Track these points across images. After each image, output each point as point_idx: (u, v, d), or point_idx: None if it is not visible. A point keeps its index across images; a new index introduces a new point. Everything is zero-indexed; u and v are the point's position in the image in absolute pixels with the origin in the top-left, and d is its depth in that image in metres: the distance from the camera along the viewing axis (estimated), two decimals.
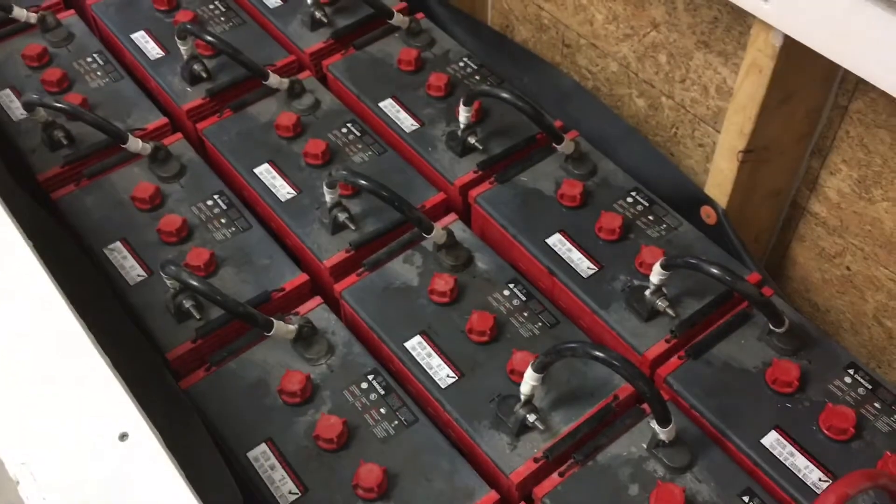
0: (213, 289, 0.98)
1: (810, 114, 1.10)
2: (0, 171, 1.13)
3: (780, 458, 0.95)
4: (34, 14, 1.41)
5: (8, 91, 1.35)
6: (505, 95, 1.15)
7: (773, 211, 1.24)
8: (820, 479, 0.93)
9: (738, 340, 1.05)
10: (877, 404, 0.99)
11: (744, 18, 1.12)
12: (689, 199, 1.19)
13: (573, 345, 0.90)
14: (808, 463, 0.94)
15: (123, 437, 0.72)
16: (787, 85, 1.01)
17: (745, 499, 0.92)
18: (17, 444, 0.72)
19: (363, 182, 1.06)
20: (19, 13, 1.40)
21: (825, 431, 0.96)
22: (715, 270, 0.97)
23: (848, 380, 1.01)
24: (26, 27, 1.43)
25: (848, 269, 1.22)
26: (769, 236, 1.29)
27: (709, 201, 1.16)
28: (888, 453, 0.93)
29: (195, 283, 0.97)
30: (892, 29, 0.80)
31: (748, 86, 1.02)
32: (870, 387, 1.00)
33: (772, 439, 0.96)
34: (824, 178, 1.18)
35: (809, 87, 1.03)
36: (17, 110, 1.32)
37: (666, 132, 1.37)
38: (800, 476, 0.93)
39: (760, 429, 0.97)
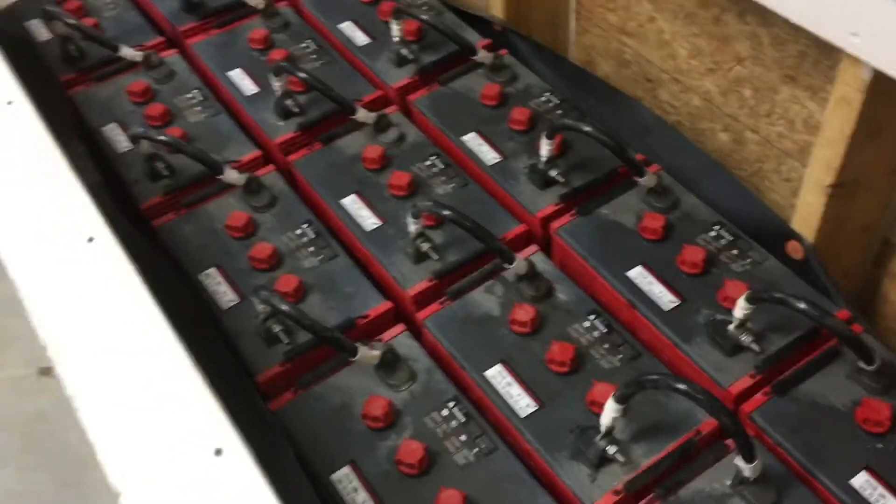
0: (302, 313, 1.01)
1: None
2: (106, 199, 1.20)
3: (871, 500, 0.92)
4: (139, 53, 1.50)
5: (114, 125, 1.43)
6: (587, 129, 1.17)
7: (862, 247, 1.22)
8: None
9: (825, 378, 1.03)
10: None
11: (831, 52, 1.11)
12: (774, 235, 1.18)
13: (656, 377, 0.90)
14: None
15: (219, 452, 0.75)
16: (876, 119, 1.00)
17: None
18: (119, 457, 0.77)
19: (447, 213, 1.09)
20: (125, 52, 1.49)
21: None
22: (802, 305, 0.96)
23: None
24: (132, 65, 1.51)
25: None
26: (859, 273, 1.26)
27: (796, 236, 1.15)
28: None
29: (285, 308, 1.01)
30: None
31: (836, 120, 1.01)
32: None
33: (861, 480, 0.94)
34: None
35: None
36: (122, 143, 1.40)
37: (750, 167, 1.36)
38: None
39: (850, 469, 0.95)
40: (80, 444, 1.85)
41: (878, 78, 0.93)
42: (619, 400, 0.93)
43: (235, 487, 0.73)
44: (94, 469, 1.95)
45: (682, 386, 0.88)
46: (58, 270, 0.89)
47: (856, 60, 0.94)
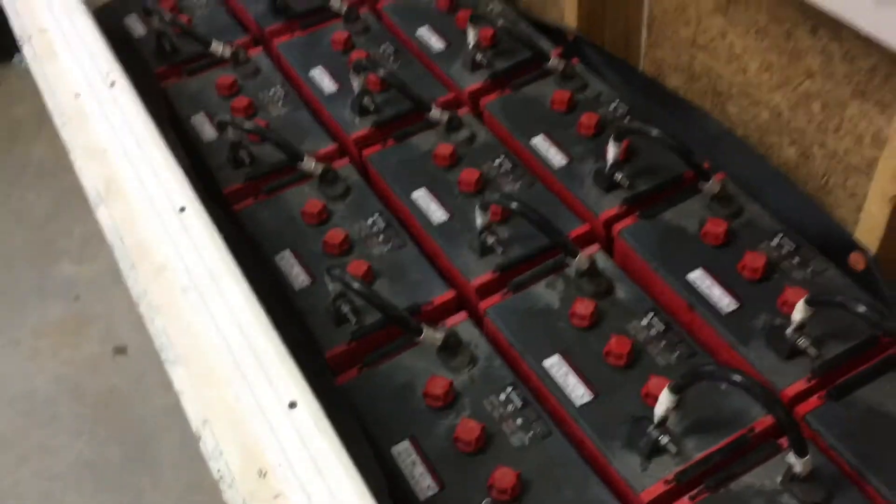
0: (373, 292, 1.07)
1: None
2: (194, 180, 1.28)
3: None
4: (228, 49, 1.58)
5: (201, 115, 1.51)
6: (654, 132, 1.20)
7: None
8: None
9: (883, 386, 1.04)
10: None
11: None
12: (837, 246, 1.19)
13: (712, 368, 0.92)
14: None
15: (293, 405, 0.80)
16: None
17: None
18: (202, 406, 0.82)
19: (515, 205, 1.14)
20: (216, 47, 1.58)
21: None
22: (862, 309, 0.97)
23: None
24: (220, 61, 1.60)
25: None
26: None
27: (858, 247, 1.16)
28: None
29: (356, 286, 1.06)
30: None
31: None
32: None
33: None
34: None
35: None
36: (208, 133, 1.48)
37: (816, 181, 1.37)
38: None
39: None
40: (148, 419, 1.93)
41: None
42: (674, 390, 0.95)
43: (308, 436, 0.78)
44: (159, 443, 2.02)
45: (737, 378, 0.90)
46: (154, 236, 0.96)
47: None
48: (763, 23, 1.36)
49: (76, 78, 1.18)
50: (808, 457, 0.91)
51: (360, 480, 0.74)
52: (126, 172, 1.04)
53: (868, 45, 1.16)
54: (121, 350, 2.13)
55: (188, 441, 1.75)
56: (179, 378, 0.84)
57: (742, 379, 0.89)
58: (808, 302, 1.02)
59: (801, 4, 1.24)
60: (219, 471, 0.77)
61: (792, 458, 0.92)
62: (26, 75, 2.56)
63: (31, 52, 1.25)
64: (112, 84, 1.15)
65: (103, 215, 1.00)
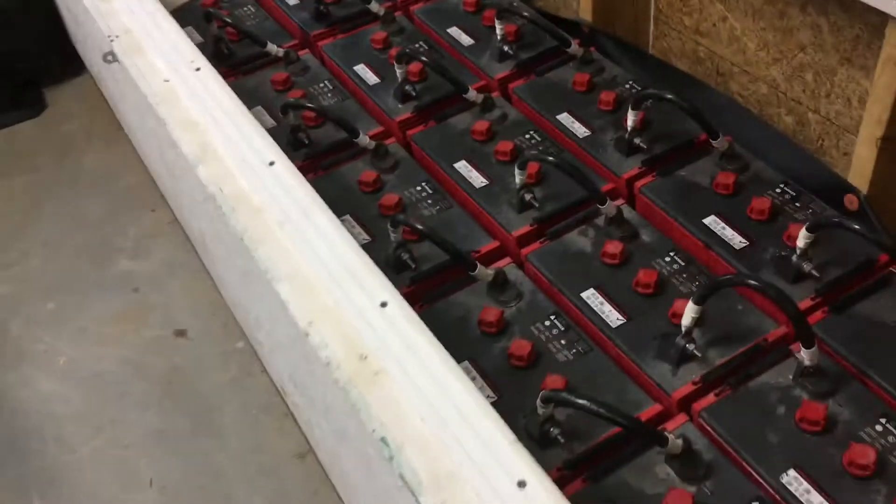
0: (434, 230, 1.24)
1: None
2: None
3: None
4: (282, 50, 1.77)
5: (259, 108, 1.69)
6: (669, 96, 1.38)
7: None
8: None
9: (878, 300, 1.20)
10: None
11: (882, 32, 1.30)
12: (833, 190, 1.35)
13: (729, 276, 1.09)
14: None
15: (384, 304, 0.97)
16: None
17: (883, 420, 1.06)
18: (306, 311, 0.99)
19: (551, 158, 1.31)
20: (271, 48, 1.76)
21: None
22: (856, 226, 1.14)
23: None
24: (274, 61, 1.79)
25: None
26: None
27: (851, 188, 1.32)
28: None
29: (420, 227, 1.23)
30: None
31: (885, 78, 1.20)
32: None
33: None
34: None
35: None
36: (267, 121, 1.65)
37: (813, 145, 1.55)
38: None
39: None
40: (209, 393, 2.09)
41: None
42: (698, 301, 1.12)
43: (399, 327, 0.94)
44: (222, 413, 2.18)
45: (753, 282, 1.06)
46: (250, 185, 1.13)
47: None
48: (759, 5, 1.54)
49: (163, 66, 1.36)
50: (814, 348, 1.07)
51: (447, 355, 0.90)
52: (218, 138, 1.22)
53: (852, 16, 1.34)
54: (181, 333, 2.30)
55: (249, 409, 1.91)
56: (285, 291, 1.01)
57: (757, 282, 1.06)
58: (808, 228, 1.19)
59: None
60: (326, 357, 0.93)
61: (801, 353, 1.08)
62: (75, 96, 2.75)
63: (121, 48, 1.44)
64: (197, 69, 1.33)
65: (202, 172, 1.18)
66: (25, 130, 3.03)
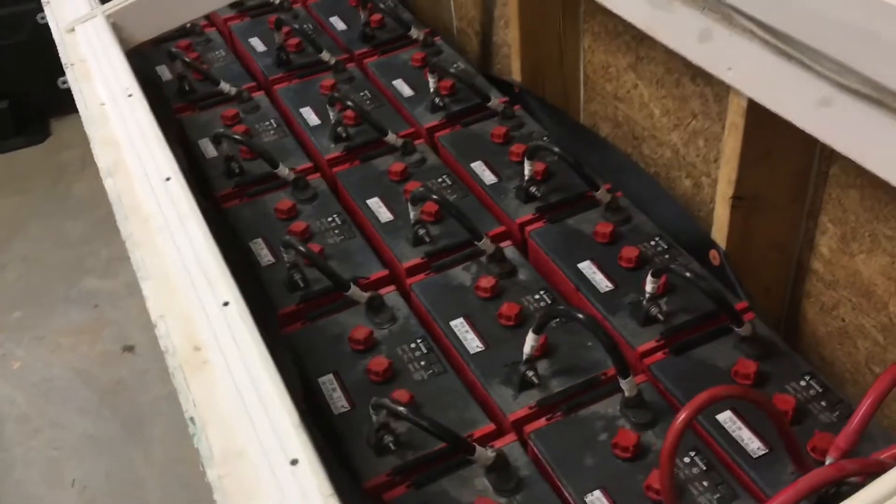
0: (316, 255, 1.35)
1: (798, 175, 1.36)
2: (191, 181, 1.60)
3: (730, 431, 1.16)
4: (234, 89, 1.93)
5: (206, 140, 1.84)
6: (555, 149, 1.49)
7: (779, 266, 1.46)
8: (758, 448, 1.13)
9: (714, 347, 1.28)
10: (823, 402, 1.18)
11: None
12: (701, 246, 1.45)
13: (561, 308, 1.18)
14: (753, 437, 1.14)
15: (226, 304, 1.08)
16: (762, 142, 1.29)
17: (692, 453, 1.13)
18: (160, 306, 1.10)
19: (435, 197, 1.43)
20: (224, 86, 1.93)
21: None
22: (688, 274, 1.23)
23: (803, 383, 1.21)
24: (228, 99, 1.95)
25: (843, 320, 1.42)
26: (782, 293, 1.51)
27: (713, 244, 1.41)
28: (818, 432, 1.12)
29: (302, 250, 1.35)
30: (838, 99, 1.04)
31: (731, 141, 1.30)
32: (820, 390, 1.20)
33: (726, 417, 1.17)
34: (818, 237, 1.40)
35: (788, 147, 1.30)
36: (210, 151, 1.80)
37: (707, 207, 1.64)
38: (742, 444, 1.14)
39: (719, 408, 1.18)
40: (146, 405, 2.20)
41: (753, 105, 1.23)
42: (535, 330, 1.21)
43: (234, 325, 1.05)
44: (153, 425, 2.30)
45: (580, 315, 1.16)
46: (145, 197, 1.27)
47: (737, 90, 1.24)
48: (660, 74, 1.65)
49: (102, 92, 1.52)
50: (629, 378, 1.15)
51: (266, 354, 1.01)
52: (130, 155, 1.36)
53: (728, 87, 1.45)
54: (129, 348, 2.43)
55: (177, 424, 2.01)
56: (148, 288, 1.12)
57: (581, 315, 1.15)
58: (652, 274, 1.28)
59: (683, 57, 1.54)
60: (165, 346, 1.04)
61: (622, 383, 1.16)
62: (74, 127, 2.94)
63: (73, 74, 1.60)
64: (130, 95, 1.48)
65: (109, 184, 1.31)
66: (27, 156, 3.25)
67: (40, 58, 2.72)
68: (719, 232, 1.41)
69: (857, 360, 1.41)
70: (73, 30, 1.72)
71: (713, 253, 1.42)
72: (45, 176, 3.20)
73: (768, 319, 1.50)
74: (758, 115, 1.23)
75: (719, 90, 1.48)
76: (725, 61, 1.20)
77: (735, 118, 1.28)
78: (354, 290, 1.37)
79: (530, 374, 1.24)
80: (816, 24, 0.99)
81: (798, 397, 1.19)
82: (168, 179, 1.29)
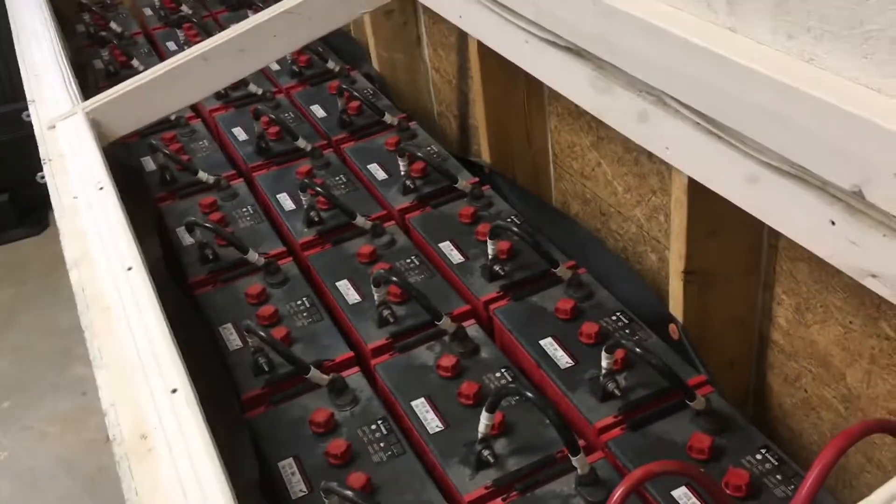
0: (276, 340, 1.37)
1: (749, 249, 1.38)
2: (164, 268, 1.64)
3: None
4: (213, 177, 1.99)
5: (182, 228, 1.89)
6: (514, 229, 1.52)
7: (741, 339, 1.47)
8: None
9: (670, 421, 1.28)
10: (779, 475, 1.18)
11: None
12: (661, 320, 1.46)
13: (512, 386, 1.19)
14: None
15: (174, 391, 1.10)
16: (708, 217, 1.31)
17: None
18: (112, 395, 1.12)
19: (395, 279, 1.45)
20: (202, 175, 1.98)
21: (728, 489, 1.16)
22: (637, 350, 1.24)
23: (759, 457, 1.21)
24: (207, 187, 2.00)
25: (805, 391, 1.41)
26: (746, 366, 1.51)
27: (670, 318, 1.43)
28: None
29: (261, 335, 1.37)
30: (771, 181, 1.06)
31: (677, 217, 1.33)
32: (776, 463, 1.19)
33: (680, 492, 1.17)
34: (775, 309, 1.42)
35: (734, 221, 1.32)
36: (187, 239, 1.85)
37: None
38: None
39: (674, 483, 1.18)
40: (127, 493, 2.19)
41: (693, 182, 1.26)
42: (489, 409, 1.22)
43: (180, 414, 1.06)
44: None
45: (529, 394, 1.17)
46: (106, 288, 1.30)
47: (677, 169, 1.28)
48: (620, 153, 1.70)
49: (76, 185, 1.57)
50: (579, 455, 1.15)
51: (213, 448, 1.02)
52: (96, 246, 1.40)
53: None
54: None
55: None
56: (102, 377, 1.15)
57: (531, 394, 1.16)
58: (605, 349, 1.29)
59: None
60: (113, 435, 1.06)
61: (573, 460, 1.16)
62: None
63: (50, 169, 1.66)
64: (101, 188, 1.53)
65: (74, 275, 1.35)
66: (26, 246, 3.32)
67: (37, 151, 2.81)
68: (676, 306, 1.42)
69: (822, 430, 1.40)
70: (54, 127, 1.79)
71: (672, 327, 1.43)
72: (41, 267, 3.26)
73: (736, 392, 1.51)
74: (699, 192, 1.26)
75: (670, 167, 1.51)
76: (663, 141, 1.24)
77: (679, 194, 1.31)
78: (314, 373, 1.38)
79: (486, 453, 1.24)
80: (736, 108, 1.03)
81: (753, 471, 1.19)
82: (130, 269, 1.32)
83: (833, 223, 0.97)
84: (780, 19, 0.97)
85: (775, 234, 1.35)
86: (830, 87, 0.90)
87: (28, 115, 1.91)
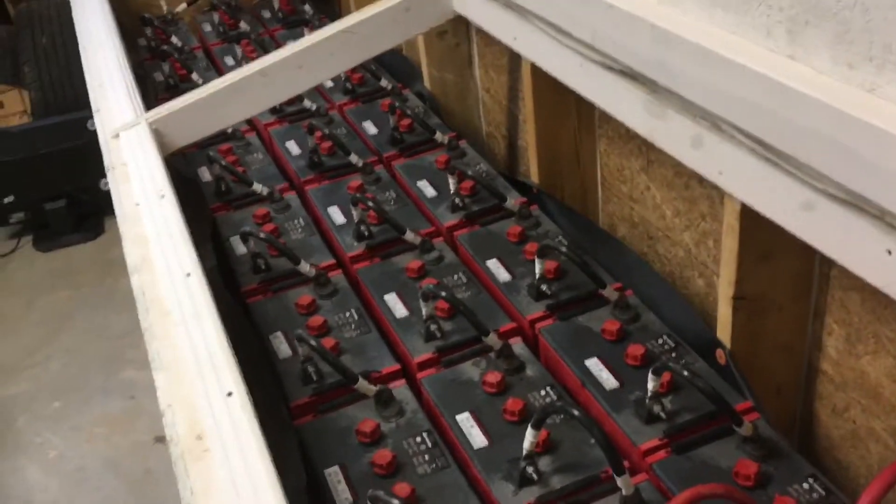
0: (326, 350, 1.40)
1: (800, 277, 1.37)
2: (217, 276, 1.69)
3: None
4: (266, 189, 2.04)
5: (237, 237, 1.93)
6: (563, 249, 1.54)
7: (788, 366, 1.46)
8: None
9: (717, 446, 1.28)
10: None
11: None
12: (707, 345, 1.46)
13: (560, 404, 1.20)
14: None
15: (230, 394, 1.13)
16: (760, 243, 1.31)
17: None
18: (169, 396, 1.16)
19: (443, 294, 1.48)
20: (257, 187, 2.03)
21: None
22: (685, 373, 1.24)
23: (806, 486, 1.20)
24: (261, 199, 2.05)
25: (854, 422, 1.40)
26: (793, 393, 1.50)
27: (718, 343, 1.42)
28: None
29: (313, 344, 1.40)
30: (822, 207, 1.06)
31: (728, 242, 1.33)
32: (823, 493, 1.19)
33: None
34: (825, 339, 1.41)
35: (786, 248, 1.32)
36: (240, 249, 1.89)
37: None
38: None
39: None
40: (173, 497, 2.24)
41: (746, 208, 1.26)
42: (534, 426, 1.23)
43: (236, 417, 1.09)
44: None
45: (575, 412, 1.17)
46: (166, 293, 1.34)
47: (730, 194, 1.28)
48: (670, 177, 1.70)
49: (138, 193, 1.62)
50: (624, 475, 1.16)
51: (266, 451, 1.05)
52: (157, 252, 1.44)
53: None
54: (160, 439, 2.49)
55: None
56: (160, 378, 1.18)
57: (578, 413, 1.17)
58: (653, 371, 1.30)
59: None
60: (170, 436, 1.09)
61: (618, 480, 1.17)
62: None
63: (113, 177, 1.72)
64: (162, 196, 1.58)
65: (135, 280, 1.39)
66: (81, 252, 3.42)
67: (97, 160, 2.90)
68: (724, 331, 1.42)
69: (870, 463, 1.38)
70: (117, 136, 1.85)
71: (719, 352, 1.43)
72: (96, 272, 3.34)
73: (782, 420, 1.50)
74: (752, 218, 1.26)
75: (722, 192, 1.51)
76: (717, 166, 1.25)
77: (731, 220, 1.31)
78: (362, 384, 1.41)
79: (530, 470, 1.25)
80: (794, 134, 1.04)
81: (800, 499, 1.18)
82: (188, 275, 1.36)
83: (890, 252, 0.97)
84: (840, 48, 0.97)
85: (827, 263, 1.34)
86: (890, 117, 0.90)
87: (93, 125, 1.97)
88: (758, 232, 1.30)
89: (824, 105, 0.96)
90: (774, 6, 1.05)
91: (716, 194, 1.56)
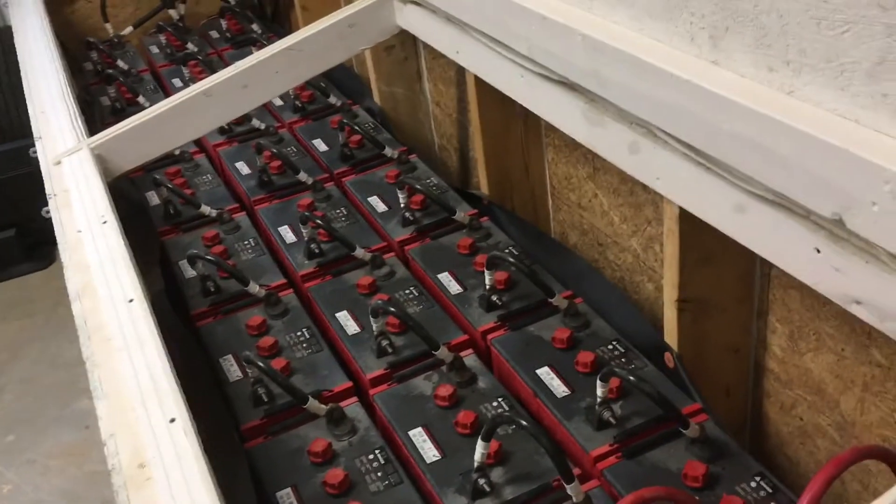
0: (276, 371, 1.39)
1: (742, 278, 1.39)
2: (166, 301, 1.66)
3: None
4: (215, 211, 2.02)
5: (185, 261, 1.91)
6: (510, 259, 1.54)
7: (736, 367, 1.48)
8: None
9: (666, 449, 1.29)
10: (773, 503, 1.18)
11: None
12: (656, 349, 1.47)
13: (508, 415, 1.21)
14: None
15: (172, 420, 1.11)
16: (700, 247, 1.33)
17: None
18: (112, 425, 1.14)
19: (393, 310, 1.47)
20: (205, 209, 2.01)
21: None
22: (630, 378, 1.25)
23: (753, 484, 1.21)
24: (210, 221, 2.03)
25: (801, 419, 1.42)
26: (742, 393, 1.52)
27: (665, 346, 1.44)
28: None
29: (261, 365, 1.39)
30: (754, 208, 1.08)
31: (669, 246, 1.35)
32: (770, 490, 1.20)
33: None
34: (769, 337, 1.43)
35: (726, 250, 1.34)
36: (189, 273, 1.87)
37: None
38: None
39: None
40: None
41: (684, 212, 1.28)
42: (484, 438, 1.23)
43: (178, 443, 1.08)
44: None
45: (524, 422, 1.18)
46: (108, 319, 1.32)
47: (667, 199, 1.30)
48: (616, 184, 1.72)
49: (80, 219, 1.60)
50: (574, 483, 1.16)
51: (209, 477, 1.03)
52: (99, 279, 1.42)
53: None
54: None
55: None
56: (101, 407, 1.16)
57: (526, 423, 1.17)
58: (600, 378, 1.30)
59: None
60: (112, 465, 1.08)
61: (568, 489, 1.17)
62: None
63: (55, 204, 1.69)
64: (104, 222, 1.56)
65: (76, 307, 1.37)
66: (33, 281, 3.36)
67: (43, 188, 2.86)
68: (671, 335, 1.44)
69: (819, 459, 1.40)
70: (59, 162, 1.82)
71: (667, 355, 1.44)
72: (47, 301, 3.29)
73: (733, 420, 1.52)
74: (690, 222, 1.28)
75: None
76: (654, 171, 1.26)
77: (670, 224, 1.33)
78: (312, 403, 1.40)
79: (482, 482, 1.25)
80: (721, 139, 1.05)
81: (747, 498, 1.19)
82: (131, 301, 1.35)
83: (818, 251, 0.99)
84: (760, 53, 0.99)
85: (767, 263, 1.36)
86: (810, 119, 0.92)
87: (35, 152, 1.95)
88: (697, 235, 1.32)
89: (747, 109, 0.98)
90: (697, 13, 1.07)
91: (659, 199, 1.58)
